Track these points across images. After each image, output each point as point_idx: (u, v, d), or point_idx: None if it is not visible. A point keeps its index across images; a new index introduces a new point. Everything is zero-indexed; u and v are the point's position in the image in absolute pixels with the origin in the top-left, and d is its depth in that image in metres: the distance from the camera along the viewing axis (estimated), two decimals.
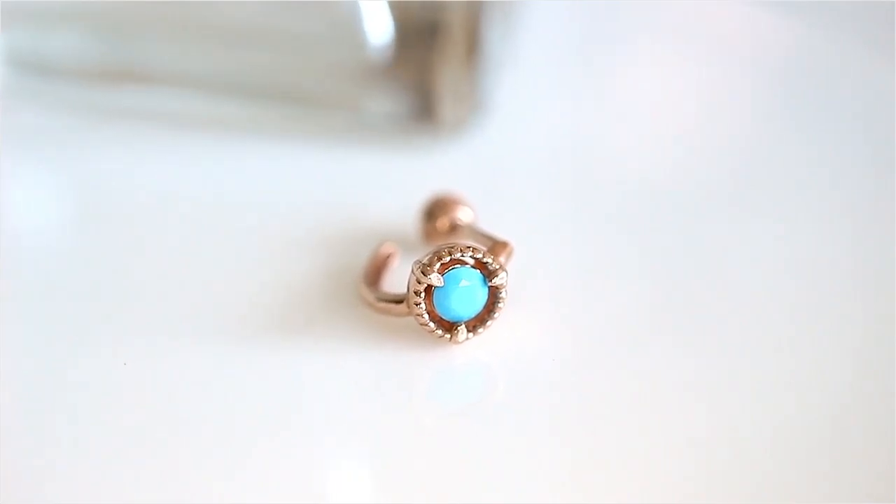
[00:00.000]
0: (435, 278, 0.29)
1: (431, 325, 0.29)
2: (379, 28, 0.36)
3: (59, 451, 0.28)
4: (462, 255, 0.29)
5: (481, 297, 0.30)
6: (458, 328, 0.29)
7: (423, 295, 0.29)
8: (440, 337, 0.30)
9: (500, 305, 0.30)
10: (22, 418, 0.29)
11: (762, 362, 0.30)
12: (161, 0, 0.36)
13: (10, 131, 0.37)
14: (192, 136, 0.37)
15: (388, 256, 0.32)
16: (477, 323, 0.30)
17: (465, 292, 0.29)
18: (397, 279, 0.32)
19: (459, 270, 0.29)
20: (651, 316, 0.31)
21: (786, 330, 0.31)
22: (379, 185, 0.36)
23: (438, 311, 0.30)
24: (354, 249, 0.33)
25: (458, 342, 0.30)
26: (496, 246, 0.31)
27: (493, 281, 0.29)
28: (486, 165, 0.36)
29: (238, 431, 0.29)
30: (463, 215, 0.33)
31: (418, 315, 0.29)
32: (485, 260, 0.29)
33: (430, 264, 0.29)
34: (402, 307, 0.30)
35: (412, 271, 0.29)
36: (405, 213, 0.34)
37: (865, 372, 0.30)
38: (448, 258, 0.29)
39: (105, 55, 0.37)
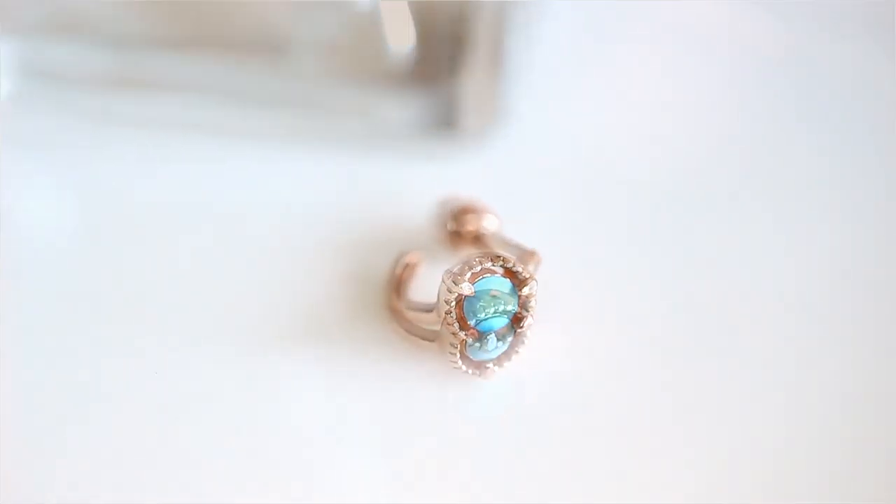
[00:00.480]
0: (466, 287, 0.29)
1: (463, 367, 0.29)
2: (401, 34, 0.36)
3: (65, 455, 0.28)
4: (493, 265, 0.29)
5: (512, 306, 0.29)
6: (489, 367, 0.29)
7: (453, 304, 0.29)
8: (470, 375, 0.30)
9: (528, 322, 0.29)
10: (24, 421, 0.29)
11: (799, 370, 0.30)
12: (173, 6, 0.36)
13: (18, 137, 0.37)
14: (210, 144, 0.36)
15: (413, 265, 0.32)
16: (503, 359, 0.30)
17: (495, 303, 0.29)
18: (422, 286, 0.32)
19: (490, 279, 0.29)
20: (679, 323, 0.31)
21: (820, 336, 0.31)
22: (399, 192, 0.35)
23: (469, 321, 0.29)
24: (375, 257, 0.33)
25: (488, 378, 0.30)
26: (524, 255, 0.30)
27: (522, 291, 0.29)
28: (508, 174, 0.36)
29: (256, 442, 0.29)
30: (488, 223, 0.33)
31: (452, 359, 0.29)
32: (515, 269, 0.29)
33: (461, 273, 0.29)
34: (431, 316, 0.30)
35: (443, 280, 0.29)
36: (426, 220, 0.34)
37: None
38: (479, 267, 0.29)
39: (121, 63, 0.37)
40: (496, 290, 0.29)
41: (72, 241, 0.34)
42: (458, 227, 0.32)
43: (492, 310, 0.29)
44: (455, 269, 0.29)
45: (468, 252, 0.30)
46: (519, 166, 0.36)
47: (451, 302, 0.29)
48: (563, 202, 0.35)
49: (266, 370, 0.30)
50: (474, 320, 0.29)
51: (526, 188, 0.36)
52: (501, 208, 0.34)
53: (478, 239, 0.32)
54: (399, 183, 0.36)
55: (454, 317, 0.29)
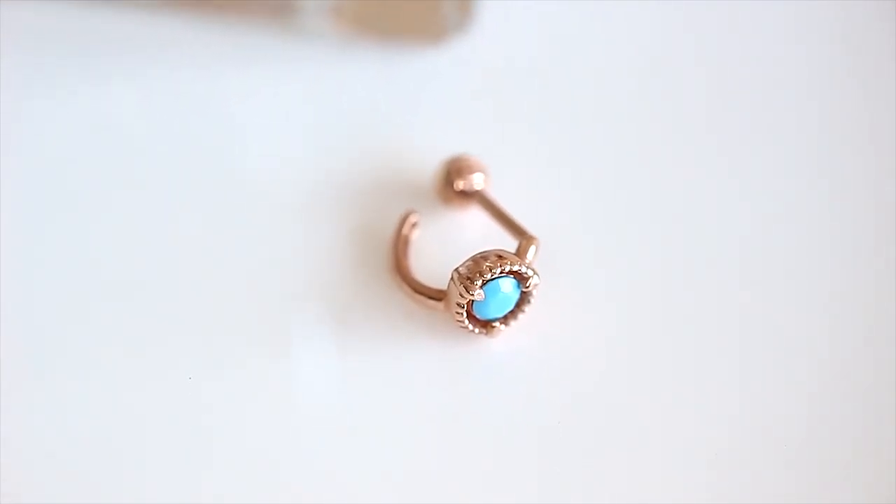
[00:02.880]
0: (478, 294, 0.32)
1: (470, 325, 0.32)
2: None
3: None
4: (503, 268, 0.32)
5: (514, 298, 0.32)
6: (495, 326, 0.32)
7: (464, 306, 0.32)
8: (477, 334, 0.32)
9: (530, 300, 0.32)
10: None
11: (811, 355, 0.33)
12: None
13: None
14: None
15: (411, 229, 0.34)
16: (509, 317, 0.33)
17: (503, 300, 0.32)
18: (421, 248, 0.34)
19: (498, 282, 0.32)
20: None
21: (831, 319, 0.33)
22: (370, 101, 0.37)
23: (474, 312, 0.32)
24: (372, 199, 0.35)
25: (494, 336, 0.33)
26: (524, 243, 0.33)
27: (526, 286, 0.32)
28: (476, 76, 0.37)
29: (265, 403, 0.31)
30: (477, 180, 0.34)
31: (459, 321, 0.32)
32: (520, 270, 0.32)
33: (473, 280, 0.31)
34: (439, 304, 0.32)
35: (453, 281, 0.32)
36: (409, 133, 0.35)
37: None
38: (489, 275, 0.31)
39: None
40: (503, 289, 0.32)
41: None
42: (449, 183, 0.34)
43: (498, 270, 0.32)
44: (466, 273, 0.31)
45: (478, 253, 0.32)
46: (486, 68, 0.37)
47: (464, 304, 0.32)
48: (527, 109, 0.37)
49: (271, 335, 0.32)
50: (480, 281, 0.31)
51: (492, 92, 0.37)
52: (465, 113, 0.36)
53: (469, 195, 0.34)
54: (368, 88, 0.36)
55: (465, 314, 0.32)
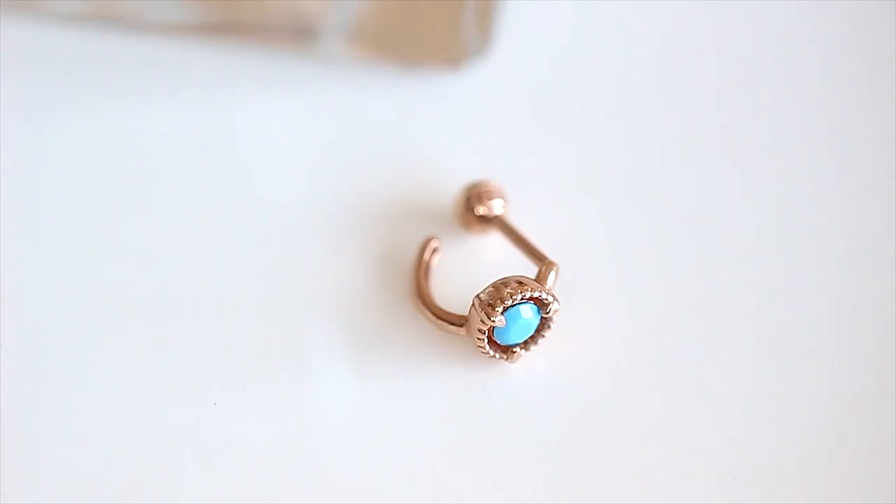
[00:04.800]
0: (498, 321, 0.32)
1: (491, 351, 0.33)
2: None
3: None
4: (524, 294, 0.32)
5: (535, 323, 0.33)
6: (517, 353, 0.33)
7: (486, 332, 0.32)
8: (498, 359, 0.33)
9: (550, 326, 0.33)
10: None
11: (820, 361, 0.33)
12: None
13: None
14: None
15: (431, 255, 0.34)
16: (529, 342, 0.33)
17: (523, 326, 0.32)
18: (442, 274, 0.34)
19: (518, 308, 0.32)
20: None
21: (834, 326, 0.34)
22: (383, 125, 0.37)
23: (495, 338, 0.33)
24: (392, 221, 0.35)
25: (515, 361, 0.33)
26: (544, 268, 0.33)
27: (546, 312, 0.32)
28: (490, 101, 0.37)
29: (282, 427, 0.32)
30: (496, 205, 0.35)
31: (480, 347, 0.32)
32: (540, 296, 0.32)
33: (494, 307, 0.32)
34: (460, 330, 0.33)
35: (474, 307, 0.32)
36: (421, 156, 0.36)
37: None
38: (510, 301, 0.32)
39: None
40: (524, 316, 0.32)
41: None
42: (469, 209, 0.34)
43: (518, 296, 0.32)
44: (488, 300, 0.32)
45: (499, 279, 0.32)
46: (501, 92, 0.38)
47: (485, 331, 0.32)
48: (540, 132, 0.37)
49: (292, 358, 0.33)
50: (501, 307, 0.32)
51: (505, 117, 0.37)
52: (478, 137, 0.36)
53: (489, 221, 0.34)
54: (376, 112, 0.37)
55: (486, 340, 0.32)
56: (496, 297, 0.32)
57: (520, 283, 0.32)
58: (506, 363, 0.33)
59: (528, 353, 0.33)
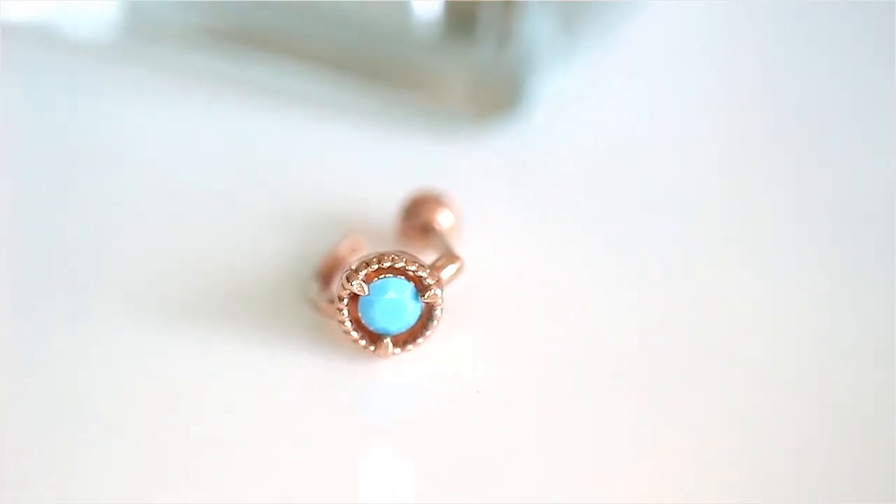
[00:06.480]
0: (357, 286, 0.27)
1: (354, 333, 0.27)
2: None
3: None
4: (395, 264, 0.27)
5: (412, 312, 0.27)
6: (384, 341, 0.27)
7: (346, 302, 0.27)
8: (364, 347, 0.27)
9: (433, 324, 0.27)
10: None
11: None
12: None
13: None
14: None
15: (349, 251, 0.30)
16: (408, 338, 0.27)
17: (390, 305, 0.27)
18: None
19: (388, 281, 0.27)
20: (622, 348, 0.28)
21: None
22: (384, 172, 0.34)
23: (364, 322, 0.27)
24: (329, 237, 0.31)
25: (384, 356, 0.27)
26: (445, 258, 0.28)
27: (425, 297, 0.27)
28: (509, 163, 0.33)
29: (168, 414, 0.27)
30: (443, 219, 0.30)
31: (340, 321, 0.27)
32: (420, 274, 0.27)
33: (357, 270, 0.27)
34: (330, 308, 0.28)
35: (339, 273, 0.27)
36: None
37: None
38: (377, 266, 0.27)
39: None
40: (393, 292, 0.27)
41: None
42: (408, 218, 0.30)
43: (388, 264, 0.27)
44: (353, 265, 0.27)
45: (377, 250, 0.28)
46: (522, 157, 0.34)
47: (344, 299, 0.27)
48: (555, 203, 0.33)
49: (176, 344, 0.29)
50: (365, 272, 0.27)
51: (522, 182, 0.33)
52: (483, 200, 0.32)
53: (426, 233, 0.30)
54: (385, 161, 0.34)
55: (346, 314, 0.27)
56: (364, 261, 0.27)
57: (399, 255, 0.27)
58: (374, 356, 0.27)
59: (403, 352, 0.27)
